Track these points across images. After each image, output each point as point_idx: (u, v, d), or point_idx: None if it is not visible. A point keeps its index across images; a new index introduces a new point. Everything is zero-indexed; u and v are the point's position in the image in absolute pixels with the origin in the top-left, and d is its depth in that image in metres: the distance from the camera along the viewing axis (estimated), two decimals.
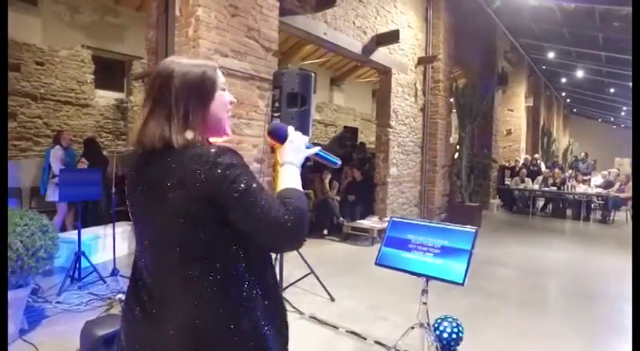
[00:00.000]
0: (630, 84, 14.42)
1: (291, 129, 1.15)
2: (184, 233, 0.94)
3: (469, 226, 2.08)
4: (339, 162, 1.24)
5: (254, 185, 0.94)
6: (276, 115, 3.70)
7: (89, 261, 3.79)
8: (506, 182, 11.73)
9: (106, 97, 9.66)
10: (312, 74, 3.78)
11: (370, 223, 6.62)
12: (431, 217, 8.03)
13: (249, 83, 3.95)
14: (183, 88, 0.99)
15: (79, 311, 3.15)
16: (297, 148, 1.12)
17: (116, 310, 3.23)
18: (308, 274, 3.90)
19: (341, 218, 6.94)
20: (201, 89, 1.02)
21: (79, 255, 3.73)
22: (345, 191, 7.57)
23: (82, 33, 8.85)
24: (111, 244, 4.10)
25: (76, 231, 3.81)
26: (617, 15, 8.88)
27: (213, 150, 0.94)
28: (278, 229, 0.92)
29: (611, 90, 16.47)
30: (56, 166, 5.10)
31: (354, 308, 3.60)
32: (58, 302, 3.31)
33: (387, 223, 7.14)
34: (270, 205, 0.93)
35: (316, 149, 1.17)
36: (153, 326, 0.98)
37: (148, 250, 1.01)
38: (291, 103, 3.66)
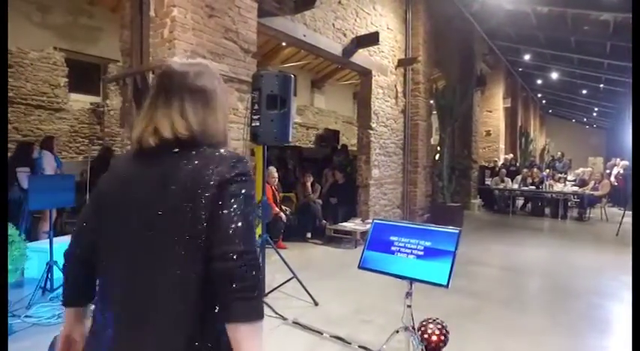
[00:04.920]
0: (601, 85, 14.91)
1: None
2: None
3: (452, 227, 2.06)
4: None
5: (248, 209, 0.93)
6: (255, 117, 3.64)
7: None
8: (486, 182, 11.90)
9: (80, 101, 9.39)
10: (292, 76, 3.72)
11: (353, 225, 6.59)
12: (413, 218, 8.07)
13: (227, 85, 3.87)
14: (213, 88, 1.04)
15: (49, 325, 2.99)
16: None
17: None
18: (291, 279, 3.83)
19: (323, 221, 6.90)
20: (223, 91, 1.07)
21: (50, 265, 3.57)
22: (327, 194, 7.53)
23: (54, 34, 8.58)
24: None
25: (48, 239, 3.65)
26: (586, 19, 9.15)
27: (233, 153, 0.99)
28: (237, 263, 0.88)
29: (584, 91, 16.97)
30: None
31: (338, 312, 3.55)
32: (27, 316, 3.13)
33: (369, 225, 7.10)
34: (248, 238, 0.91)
35: None
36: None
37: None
38: (270, 105, 3.60)
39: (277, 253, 4.00)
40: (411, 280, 2.05)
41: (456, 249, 1.97)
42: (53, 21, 8.46)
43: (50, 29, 8.46)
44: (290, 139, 3.73)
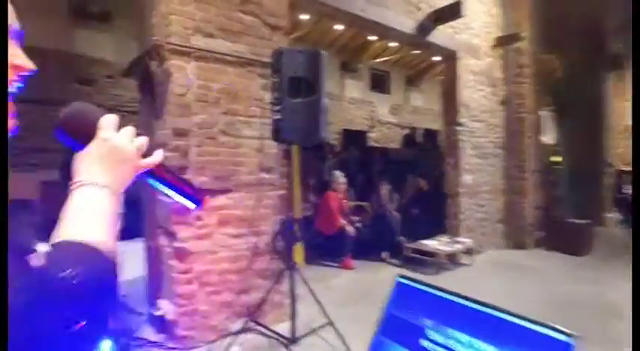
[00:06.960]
0: None
1: (108, 119, 0.60)
2: None
3: (562, 332, 0.86)
4: (194, 206, 0.71)
5: None
6: (275, 109, 2.77)
7: None
8: (623, 191, 9.30)
9: None
10: (323, 53, 2.76)
11: (436, 244, 5.32)
12: (522, 237, 6.38)
13: (246, 70, 3.05)
14: None
15: None
16: (108, 154, 0.58)
17: None
18: (325, 325, 2.82)
19: (401, 237, 5.73)
20: None
21: None
22: (409, 204, 6.36)
23: None
24: None
25: None
26: None
27: None
28: None
29: None
30: None
31: None
32: None
33: (460, 245, 5.58)
34: None
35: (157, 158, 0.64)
36: None
37: None
38: (293, 92, 2.70)
39: (304, 281, 2.90)
40: None
41: None
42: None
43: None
44: (323, 136, 2.76)
